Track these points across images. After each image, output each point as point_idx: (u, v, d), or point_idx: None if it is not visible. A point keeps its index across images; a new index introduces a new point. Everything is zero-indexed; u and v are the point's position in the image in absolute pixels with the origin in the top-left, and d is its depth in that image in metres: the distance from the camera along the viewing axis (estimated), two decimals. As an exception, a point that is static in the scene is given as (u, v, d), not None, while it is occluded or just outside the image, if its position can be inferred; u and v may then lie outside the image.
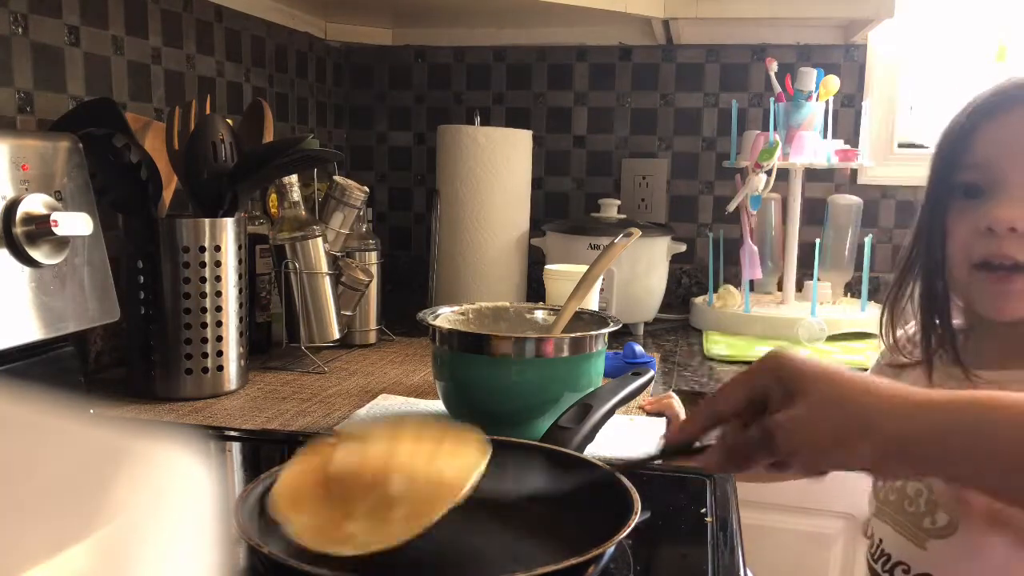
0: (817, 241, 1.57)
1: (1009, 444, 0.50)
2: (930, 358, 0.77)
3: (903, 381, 0.78)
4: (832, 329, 1.51)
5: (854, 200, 1.70)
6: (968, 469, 0.52)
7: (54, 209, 0.91)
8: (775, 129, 1.56)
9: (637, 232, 1.15)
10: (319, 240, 1.26)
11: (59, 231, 0.90)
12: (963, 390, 0.53)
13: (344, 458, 0.63)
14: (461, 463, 0.62)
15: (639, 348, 1.26)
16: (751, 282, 1.63)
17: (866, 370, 0.86)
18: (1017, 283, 0.68)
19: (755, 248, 1.59)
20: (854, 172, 1.78)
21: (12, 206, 0.88)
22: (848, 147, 1.59)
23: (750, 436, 0.57)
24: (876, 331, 0.86)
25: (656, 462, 0.70)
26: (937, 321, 0.77)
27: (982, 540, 0.69)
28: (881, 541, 0.79)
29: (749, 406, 0.58)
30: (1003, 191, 0.68)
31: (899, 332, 0.82)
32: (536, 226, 1.68)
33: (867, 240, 1.60)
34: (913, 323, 0.81)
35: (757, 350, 1.46)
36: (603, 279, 1.36)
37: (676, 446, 0.63)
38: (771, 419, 0.56)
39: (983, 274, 0.69)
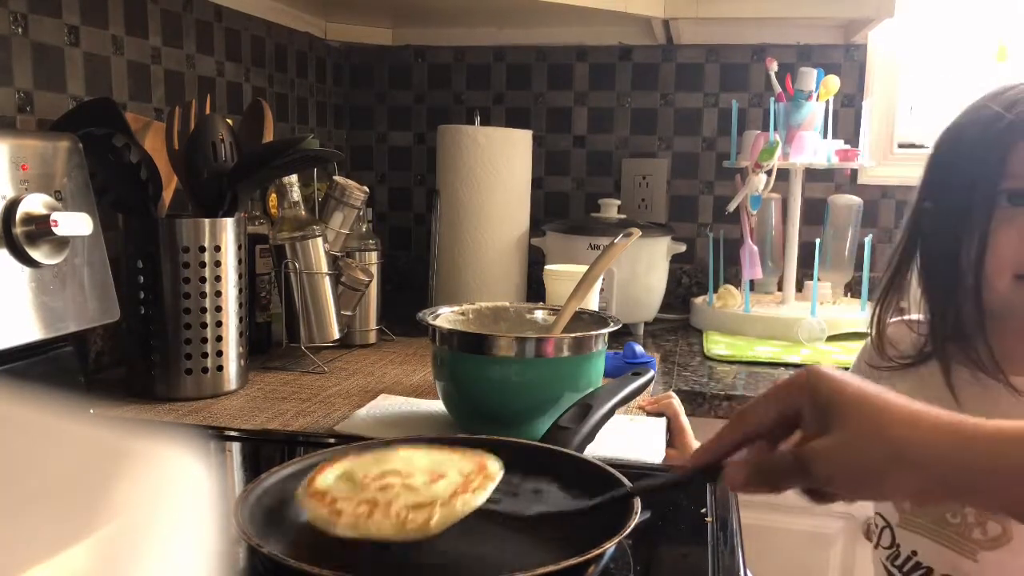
0: (817, 241, 1.57)
1: None
2: (941, 353, 0.77)
3: (898, 386, 0.80)
4: (832, 329, 1.51)
5: (854, 200, 1.70)
6: (1015, 501, 0.49)
7: (54, 209, 0.91)
8: (775, 129, 1.56)
9: (637, 232, 1.15)
10: (319, 240, 1.26)
11: (59, 231, 0.90)
12: (1010, 420, 0.50)
13: (369, 466, 0.65)
14: (476, 468, 0.63)
15: (639, 348, 1.26)
16: (751, 282, 1.63)
17: (847, 369, 0.86)
18: None
19: (755, 248, 1.59)
20: (854, 172, 1.78)
21: (12, 206, 0.88)
22: (848, 147, 1.59)
23: (783, 460, 0.54)
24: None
25: (678, 484, 0.68)
26: (947, 316, 0.77)
27: None
28: (915, 553, 0.78)
29: (780, 423, 0.56)
30: None
31: (890, 330, 0.83)
32: (536, 226, 1.68)
33: (867, 240, 1.60)
34: (899, 318, 0.81)
35: (757, 350, 1.46)
36: (603, 279, 1.36)
37: (704, 467, 0.59)
38: (808, 447, 0.53)
39: None
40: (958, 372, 0.77)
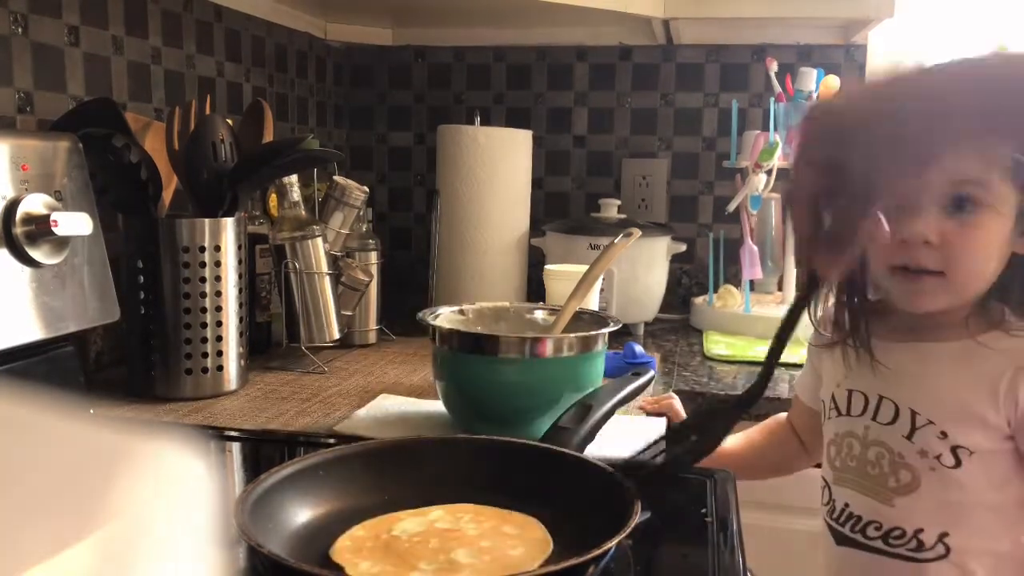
0: (817, 241, 1.57)
1: None
2: (844, 338, 0.87)
3: (825, 362, 0.91)
4: (832, 329, 1.51)
5: (854, 200, 1.69)
6: None
7: (54, 209, 0.91)
8: (775, 129, 1.56)
9: (637, 232, 1.15)
10: (319, 240, 1.26)
11: (59, 231, 0.90)
12: None
13: (406, 526, 0.66)
14: (525, 548, 0.63)
15: (639, 348, 1.26)
16: (751, 282, 1.63)
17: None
18: (927, 283, 0.78)
19: (755, 248, 1.59)
20: (854, 172, 1.77)
21: (12, 206, 0.88)
22: (848, 147, 1.59)
23: None
24: None
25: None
26: (850, 303, 0.87)
27: (945, 495, 0.78)
28: (847, 505, 0.85)
29: None
30: (914, 207, 0.77)
31: (819, 312, 0.92)
32: (536, 226, 1.68)
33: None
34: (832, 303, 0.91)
35: (757, 350, 1.46)
36: (603, 279, 1.36)
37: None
38: None
39: (899, 275, 0.79)
40: (876, 344, 0.85)
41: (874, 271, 0.83)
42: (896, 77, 0.60)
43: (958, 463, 0.77)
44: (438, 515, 0.68)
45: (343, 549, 0.63)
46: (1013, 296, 0.80)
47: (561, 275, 1.30)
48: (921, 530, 0.80)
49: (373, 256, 1.43)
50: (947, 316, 0.81)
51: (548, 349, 0.93)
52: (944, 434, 0.78)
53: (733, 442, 1.03)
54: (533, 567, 0.60)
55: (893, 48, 1.79)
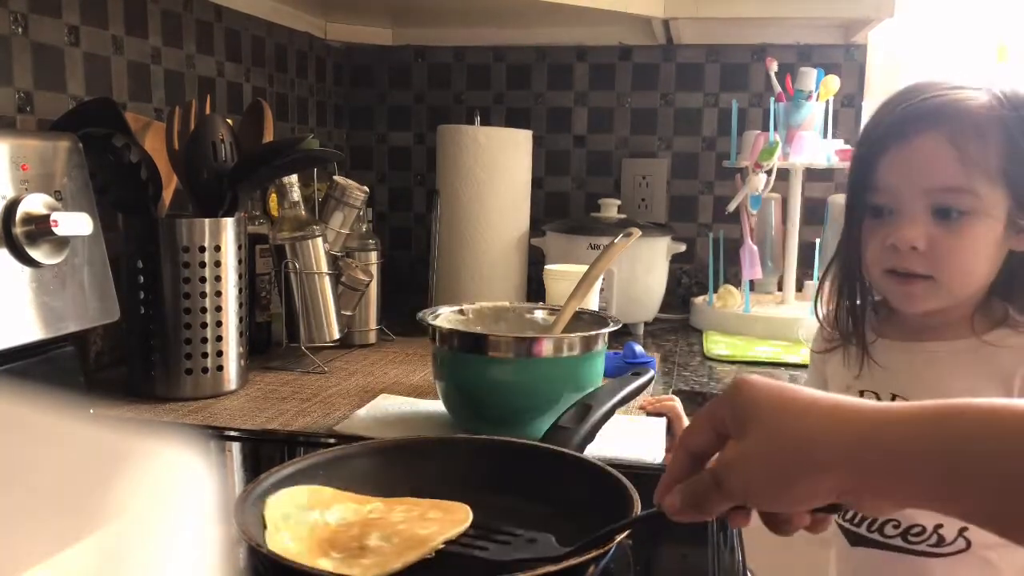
0: (817, 241, 1.57)
1: (996, 462, 0.42)
2: (846, 340, 0.88)
3: (830, 365, 0.90)
4: (832, 329, 1.51)
5: (854, 200, 1.69)
6: (948, 493, 0.44)
7: (54, 209, 0.91)
8: (775, 129, 1.56)
9: (637, 232, 1.15)
10: (319, 240, 1.26)
11: (59, 231, 0.90)
12: (926, 401, 0.46)
13: (341, 515, 0.67)
14: (437, 526, 0.64)
15: (639, 348, 1.26)
16: (751, 282, 1.63)
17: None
18: (917, 286, 0.79)
19: (755, 248, 1.59)
20: (854, 172, 1.77)
21: (12, 206, 0.88)
22: (848, 147, 1.59)
23: (702, 479, 0.51)
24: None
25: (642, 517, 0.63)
26: (851, 304, 0.88)
27: None
28: None
29: (719, 442, 0.52)
30: (903, 214, 0.78)
31: (822, 311, 0.93)
32: (536, 226, 1.68)
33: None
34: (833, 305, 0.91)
35: (757, 350, 1.46)
36: (603, 279, 1.36)
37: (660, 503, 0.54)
38: (719, 460, 0.50)
39: (891, 278, 0.81)
40: (876, 344, 0.86)
41: (869, 274, 0.85)
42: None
43: None
44: (376, 505, 0.69)
45: (278, 508, 0.64)
46: (1016, 294, 0.80)
47: (561, 275, 1.30)
48: (941, 525, 0.79)
49: (373, 256, 1.43)
50: (950, 315, 0.81)
51: (548, 349, 0.93)
52: None
53: None
54: (436, 542, 0.61)
55: (893, 48, 1.79)
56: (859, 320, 0.87)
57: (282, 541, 0.61)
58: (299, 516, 0.65)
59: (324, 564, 0.59)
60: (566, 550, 0.59)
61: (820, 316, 0.93)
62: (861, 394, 0.85)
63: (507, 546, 0.61)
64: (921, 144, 0.77)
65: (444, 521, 0.65)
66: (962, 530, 0.79)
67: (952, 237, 0.77)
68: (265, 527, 0.62)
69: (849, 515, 0.87)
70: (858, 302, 0.88)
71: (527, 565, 0.56)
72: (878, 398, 0.84)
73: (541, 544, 0.61)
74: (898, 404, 0.46)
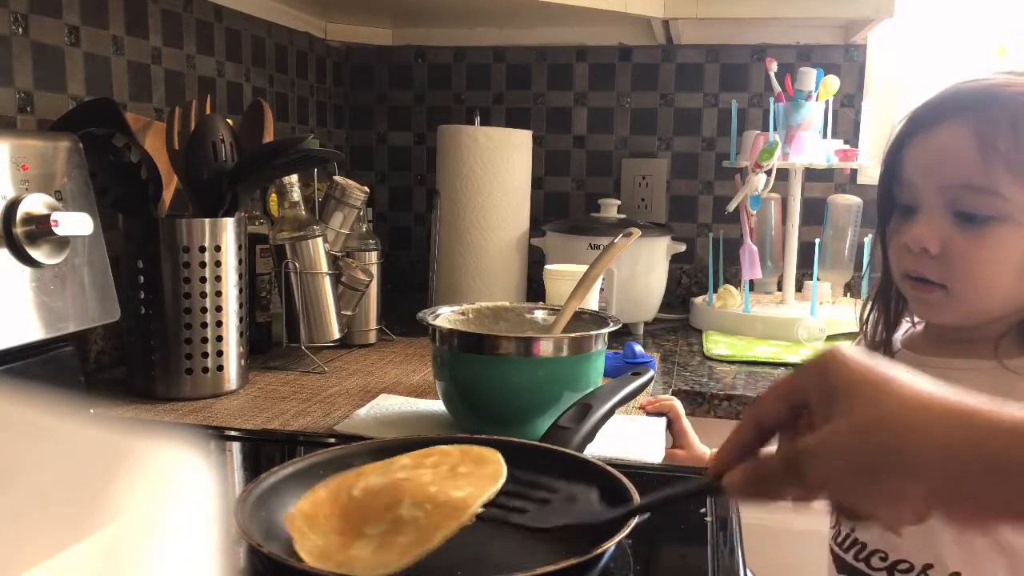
0: (817, 241, 1.57)
1: None
2: (873, 347, 0.82)
3: None
4: (832, 329, 1.51)
5: (854, 200, 1.70)
6: None
7: (54, 209, 0.91)
8: (775, 129, 1.56)
9: (637, 232, 1.15)
10: (319, 240, 1.26)
11: (59, 231, 0.90)
12: None
13: (368, 483, 0.64)
14: (471, 487, 0.61)
15: (639, 348, 1.26)
16: (751, 282, 1.63)
17: None
18: (932, 293, 0.73)
19: (755, 248, 1.59)
20: (854, 172, 1.78)
21: (12, 206, 0.88)
22: (848, 147, 1.59)
23: (772, 463, 0.47)
24: None
25: (693, 496, 0.63)
26: (883, 308, 0.83)
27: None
28: (853, 530, 0.80)
29: (795, 416, 0.48)
30: (922, 212, 0.72)
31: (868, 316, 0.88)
32: (536, 226, 1.68)
33: (867, 240, 1.60)
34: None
35: (757, 350, 1.46)
36: (603, 279, 1.36)
37: (717, 475, 0.50)
38: (796, 445, 0.45)
39: (908, 282, 0.75)
40: (899, 355, 0.80)
41: (895, 277, 0.78)
42: None
43: None
44: (404, 463, 0.67)
45: (299, 515, 0.62)
46: None
47: (561, 275, 1.30)
48: (931, 566, 0.73)
49: (373, 256, 1.43)
50: (978, 333, 0.74)
51: (548, 349, 0.93)
52: None
53: None
54: (474, 507, 0.59)
55: (893, 48, 1.79)
56: (890, 327, 0.81)
57: (314, 543, 0.59)
58: (325, 510, 0.63)
59: (361, 548, 0.58)
60: (609, 514, 0.57)
61: (858, 319, 0.87)
62: None
63: (546, 506, 0.60)
64: (940, 134, 0.70)
65: (477, 477, 0.62)
66: (953, 575, 0.72)
67: (969, 243, 0.69)
68: (294, 539, 0.60)
69: (840, 538, 0.82)
70: (891, 305, 0.82)
71: (527, 564, 0.56)
72: None
73: (582, 503, 0.59)
74: (1011, 408, 0.41)
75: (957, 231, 0.70)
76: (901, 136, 0.74)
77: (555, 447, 0.77)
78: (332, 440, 0.93)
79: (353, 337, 1.40)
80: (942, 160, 0.70)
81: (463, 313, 1.07)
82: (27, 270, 0.90)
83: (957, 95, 0.71)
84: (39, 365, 0.95)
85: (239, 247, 1.11)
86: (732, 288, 1.65)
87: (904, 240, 0.73)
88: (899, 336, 0.85)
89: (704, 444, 1.06)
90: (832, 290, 1.67)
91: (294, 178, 1.26)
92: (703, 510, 0.75)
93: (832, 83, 1.55)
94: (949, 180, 0.69)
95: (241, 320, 1.12)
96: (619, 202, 1.69)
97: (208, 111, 1.15)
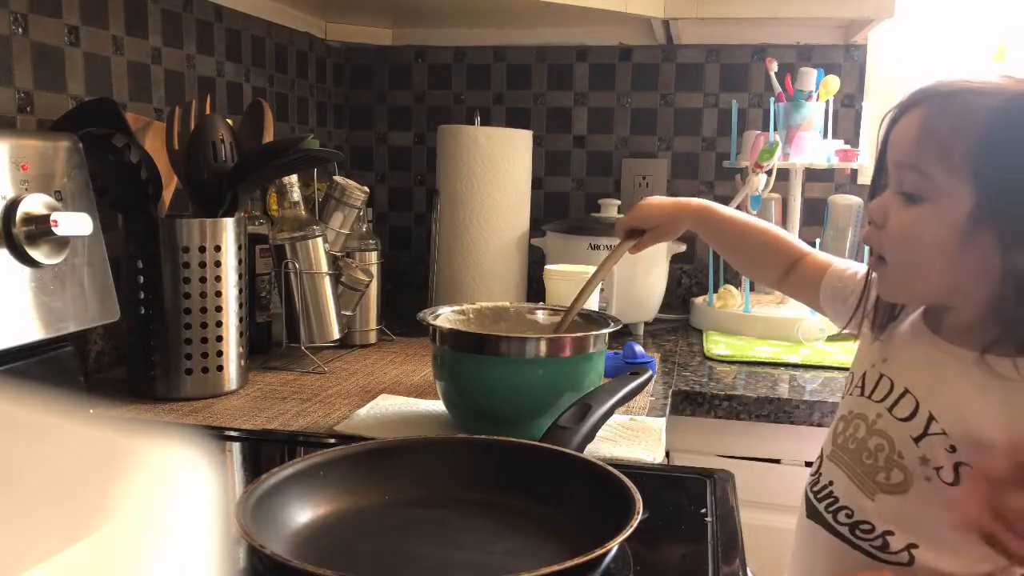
0: (817, 241, 1.57)
1: None
2: (881, 325, 0.84)
3: (863, 338, 0.87)
4: (832, 329, 1.51)
5: (854, 200, 1.70)
6: None
7: (54, 209, 0.91)
8: (775, 129, 1.56)
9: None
10: (319, 240, 1.26)
11: (59, 231, 0.90)
12: None
13: None
14: None
15: (639, 348, 1.26)
16: (751, 282, 1.63)
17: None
18: (876, 267, 0.78)
19: (755, 248, 1.59)
20: (854, 172, 1.78)
21: (12, 206, 0.88)
22: (848, 147, 1.59)
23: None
24: None
25: None
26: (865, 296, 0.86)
27: (930, 509, 0.74)
28: (831, 483, 0.83)
29: None
30: (887, 188, 0.76)
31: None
32: (536, 226, 1.68)
33: None
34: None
35: (757, 350, 1.46)
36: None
37: None
38: None
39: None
40: (898, 331, 0.83)
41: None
42: None
43: (956, 481, 0.72)
44: None
45: None
46: (998, 320, 0.72)
47: (561, 275, 1.30)
48: (891, 533, 0.76)
49: (373, 256, 1.43)
50: (953, 317, 0.76)
51: (548, 349, 0.93)
52: (953, 448, 0.72)
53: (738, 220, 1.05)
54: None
55: (893, 48, 1.79)
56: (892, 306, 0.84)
57: None
58: None
59: None
60: None
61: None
62: (879, 378, 0.80)
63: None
64: (905, 118, 0.75)
65: None
66: (911, 546, 0.75)
67: (905, 218, 0.73)
68: None
69: (816, 487, 0.84)
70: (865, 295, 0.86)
71: (528, 565, 0.56)
72: (891, 388, 0.79)
73: None
74: None
75: (899, 206, 0.74)
76: (885, 126, 0.79)
77: (555, 447, 0.77)
78: (332, 440, 0.93)
79: (353, 337, 1.40)
80: (896, 140, 0.75)
81: (463, 313, 1.07)
82: (27, 270, 0.90)
83: (930, 87, 0.75)
84: (39, 365, 0.95)
85: (239, 247, 1.11)
86: (732, 288, 1.65)
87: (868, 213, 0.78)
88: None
89: (704, 444, 1.06)
90: (832, 290, 1.67)
91: (294, 178, 1.26)
92: (703, 510, 0.75)
93: (832, 83, 1.55)
94: (896, 158, 0.75)
95: (241, 320, 1.12)
96: (619, 202, 1.69)
97: (208, 111, 1.15)
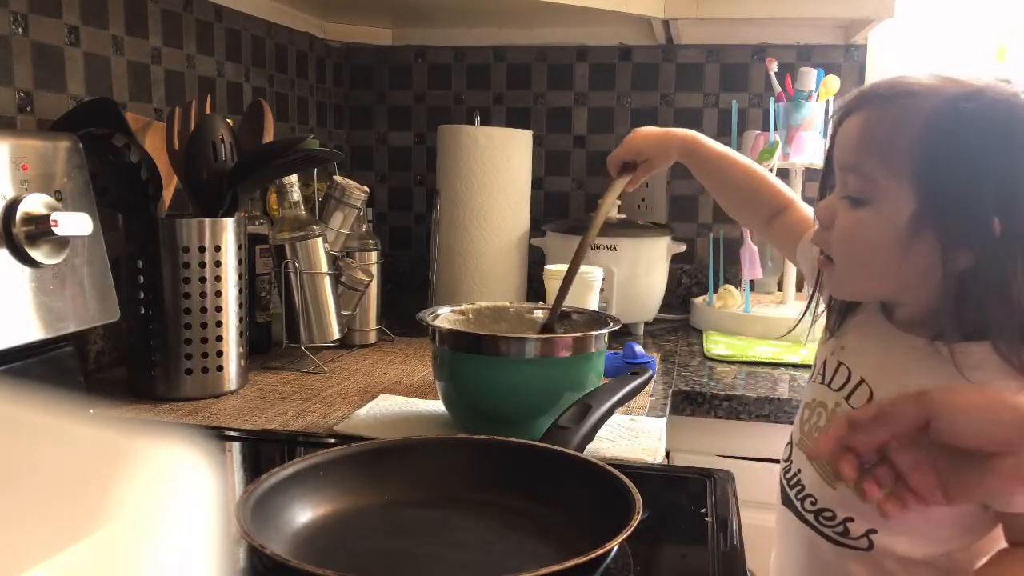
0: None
1: None
2: (840, 312, 0.85)
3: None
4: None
5: (854, 200, 1.70)
6: None
7: (54, 209, 0.91)
8: (775, 129, 1.56)
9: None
10: (319, 240, 1.26)
11: (59, 231, 0.90)
12: None
13: None
14: None
15: (639, 348, 1.26)
16: (751, 282, 1.63)
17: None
18: (826, 267, 0.78)
19: (755, 248, 1.59)
20: (854, 172, 1.78)
21: (12, 206, 0.88)
22: (848, 147, 1.59)
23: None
24: None
25: None
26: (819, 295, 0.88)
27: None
28: (799, 471, 0.83)
29: None
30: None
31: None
32: (536, 226, 1.68)
33: None
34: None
35: (757, 350, 1.46)
36: (603, 279, 1.36)
37: None
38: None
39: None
40: (859, 319, 0.84)
41: None
42: None
43: None
44: None
45: None
46: (951, 315, 0.72)
47: (561, 275, 1.29)
48: (851, 519, 0.77)
49: (373, 256, 1.43)
50: (902, 312, 0.77)
51: (548, 349, 0.93)
52: None
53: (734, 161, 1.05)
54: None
55: (893, 48, 1.79)
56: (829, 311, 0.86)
57: None
58: None
59: None
60: None
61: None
62: (838, 366, 0.81)
63: None
64: (849, 120, 0.75)
65: None
66: (870, 531, 0.75)
67: (849, 220, 0.73)
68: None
69: (789, 473, 0.85)
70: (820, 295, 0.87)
71: (528, 565, 0.56)
72: (848, 376, 0.80)
73: None
74: None
75: (844, 209, 0.74)
76: (832, 122, 0.80)
77: (555, 447, 0.77)
78: (332, 440, 0.93)
79: (353, 337, 1.40)
80: (840, 143, 0.76)
81: (463, 313, 1.07)
82: (27, 270, 0.90)
83: (871, 90, 0.76)
84: (39, 365, 0.95)
85: (239, 247, 1.11)
86: (732, 288, 1.65)
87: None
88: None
89: (704, 444, 1.06)
90: (832, 290, 1.67)
91: (294, 178, 1.26)
92: (703, 510, 0.75)
93: (832, 83, 1.55)
94: (841, 161, 0.75)
95: (241, 320, 1.12)
96: (619, 202, 1.68)
97: (208, 111, 1.15)
